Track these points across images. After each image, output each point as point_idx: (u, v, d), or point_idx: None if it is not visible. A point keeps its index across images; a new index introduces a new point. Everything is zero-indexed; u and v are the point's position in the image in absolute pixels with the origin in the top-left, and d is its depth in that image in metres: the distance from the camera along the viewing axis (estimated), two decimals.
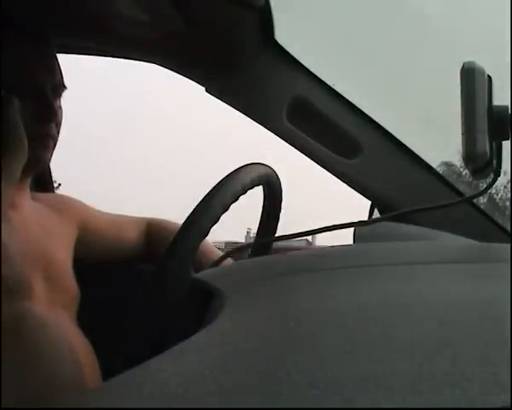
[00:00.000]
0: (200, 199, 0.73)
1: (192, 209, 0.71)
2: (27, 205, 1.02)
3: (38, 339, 0.91)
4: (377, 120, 1.22)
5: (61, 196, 1.20)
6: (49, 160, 1.02)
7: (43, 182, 1.28)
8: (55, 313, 0.96)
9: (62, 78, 1.03)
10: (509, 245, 0.59)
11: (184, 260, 0.67)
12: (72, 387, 0.88)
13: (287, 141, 1.21)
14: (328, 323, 0.34)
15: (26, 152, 0.92)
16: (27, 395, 0.86)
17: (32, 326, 0.91)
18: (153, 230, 1.24)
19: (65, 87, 1.03)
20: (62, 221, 1.09)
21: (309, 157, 1.22)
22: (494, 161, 0.62)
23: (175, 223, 1.24)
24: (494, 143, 0.62)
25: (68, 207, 1.14)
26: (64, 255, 1.05)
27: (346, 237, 0.89)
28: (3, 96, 0.93)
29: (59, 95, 1.02)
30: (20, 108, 0.94)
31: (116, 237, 1.20)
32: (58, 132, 1.02)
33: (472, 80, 0.60)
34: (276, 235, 0.98)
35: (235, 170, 0.79)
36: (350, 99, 1.21)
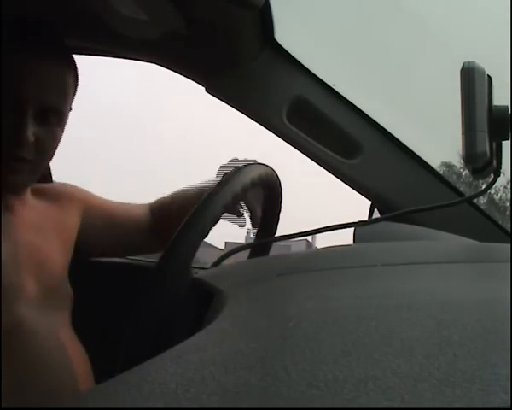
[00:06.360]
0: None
1: (192, 209, 0.71)
2: (25, 207, 1.01)
3: (31, 347, 0.89)
4: (377, 120, 1.22)
5: (63, 185, 1.17)
6: (37, 176, 0.99)
7: (43, 182, 1.28)
8: (48, 318, 0.94)
9: (63, 100, 0.95)
10: (508, 245, 0.59)
11: (184, 260, 0.67)
12: (65, 395, 0.88)
13: (287, 141, 1.21)
14: (328, 323, 0.34)
15: None
16: (21, 403, 0.85)
17: (24, 334, 0.89)
18: (156, 207, 1.22)
19: (67, 109, 0.97)
20: (62, 214, 1.07)
21: (309, 157, 1.22)
22: (494, 161, 0.62)
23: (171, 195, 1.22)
24: (494, 143, 0.62)
25: (69, 197, 1.11)
26: (59, 257, 1.02)
27: (346, 237, 0.89)
28: None
29: (49, 118, 0.92)
30: None
31: (124, 215, 1.19)
32: (44, 157, 0.96)
33: (472, 80, 0.60)
34: (276, 235, 0.98)
35: (235, 170, 0.78)
36: (350, 99, 1.21)
